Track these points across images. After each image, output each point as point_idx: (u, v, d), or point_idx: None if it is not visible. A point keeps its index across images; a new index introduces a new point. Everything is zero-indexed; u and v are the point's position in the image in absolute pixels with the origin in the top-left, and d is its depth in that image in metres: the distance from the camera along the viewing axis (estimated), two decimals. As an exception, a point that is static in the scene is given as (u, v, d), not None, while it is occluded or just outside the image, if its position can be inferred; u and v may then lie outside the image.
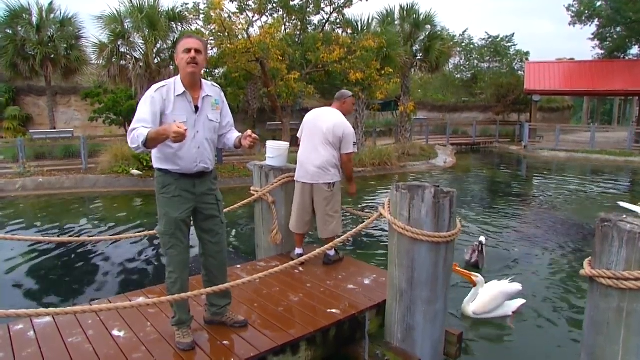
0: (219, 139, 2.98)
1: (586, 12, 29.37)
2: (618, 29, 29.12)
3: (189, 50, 2.65)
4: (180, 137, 2.36)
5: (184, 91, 2.71)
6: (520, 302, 4.51)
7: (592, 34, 30.68)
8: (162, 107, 2.66)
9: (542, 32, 79.79)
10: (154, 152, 2.78)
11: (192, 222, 2.94)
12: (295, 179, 4.37)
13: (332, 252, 4.32)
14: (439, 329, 3.09)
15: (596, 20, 29.47)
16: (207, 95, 2.82)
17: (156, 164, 2.79)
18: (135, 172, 11.53)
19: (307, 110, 4.46)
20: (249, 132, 2.82)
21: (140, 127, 2.53)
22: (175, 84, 2.72)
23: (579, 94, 26.33)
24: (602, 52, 30.71)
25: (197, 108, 2.76)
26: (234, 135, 3.00)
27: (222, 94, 2.97)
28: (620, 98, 31.37)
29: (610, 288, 2.23)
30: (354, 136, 4.27)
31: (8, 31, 15.05)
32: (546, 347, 3.93)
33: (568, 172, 15.40)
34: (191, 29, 13.15)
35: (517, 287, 4.52)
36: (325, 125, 4.17)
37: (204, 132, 2.79)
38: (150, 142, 2.50)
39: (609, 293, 2.26)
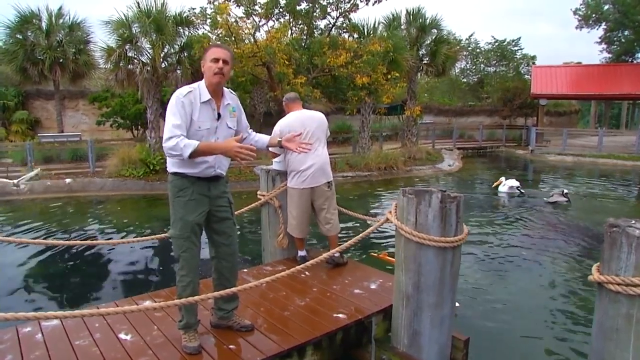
0: (244, 142, 3.00)
1: (593, 15, 29.30)
2: (626, 32, 29.01)
3: (217, 60, 2.68)
4: (247, 157, 2.57)
5: (210, 98, 2.74)
6: None
7: (600, 38, 30.59)
8: (190, 112, 2.69)
9: (549, 36, 79.53)
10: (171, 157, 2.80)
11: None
12: (292, 186, 4.26)
13: (336, 254, 4.30)
14: (445, 334, 3.07)
15: (603, 23, 29.37)
16: (228, 103, 2.87)
17: (172, 168, 2.80)
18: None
19: (286, 116, 4.40)
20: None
21: (184, 138, 2.59)
22: (200, 90, 2.74)
23: (586, 98, 26.19)
24: (610, 55, 30.58)
25: (219, 115, 2.81)
26: (257, 136, 3.17)
27: (239, 101, 3.02)
28: (628, 102, 31.17)
29: (619, 294, 2.21)
30: None
31: (18, 36, 15.22)
32: (553, 350, 3.90)
33: (575, 176, 15.31)
34: (198, 34, 13.24)
35: None
36: (315, 125, 4.19)
37: (223, 139, 2.81)
38: (197, 155, 2.59)
39: (618, 299, 2.24)
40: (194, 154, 2.58)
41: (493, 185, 11.48)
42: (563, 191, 10.05)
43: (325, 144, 4.32)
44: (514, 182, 11.03)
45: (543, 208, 9.57)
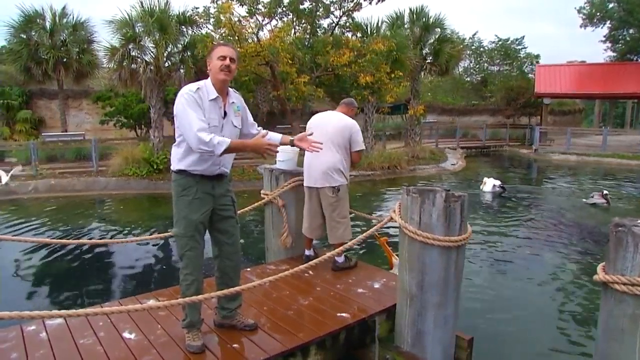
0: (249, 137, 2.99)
1: (598, 14, 29.22)
2: (630, 31, 28.92)
3: (224, 58, 2.69)
4: (273, 152, 2.71)
5: (217, 96, 2.74)
6: None
7: (604, 37, 30.49)
8: (202, 107, 2.69)
9: (553, 34, 79.09)
10: (176, 155, 2.79)
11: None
12: (304, 185, 4.36)
13: (340, 259, 4.27)
14: (449, 333, 3.06)
15: (608, 22, 29.28)
16: (233, 101, 2.87)
17: (176, 166, 2.80)
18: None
19: (316, 114, 4.44)
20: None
21: (216, 136, 2.59)
22: (207, 88, 2.74)
23: (590, 97, 26.06)
24: (614, 54, 30.47)
25: (225, 113, 2.81)
26: (269, 134, 2.96)
27: (243, 100, 3.01)
28: (632, 101, 31.00)
29: (625, 294, 2.20)
30: (361, 134, 4.28)
31: (22, 36, 15.26)
32: (557, 350, 3.89)
33: (579, 176, 15.25)
34: (201, 33, 13.25)
35: None
36: (332, 128, 4.12)
37: (229, 137, 2.78)
38: (228, 152, 2.65)
39: (623, 299, 2.22)
40: (226, 151, 2.61)
41: (481, 188, 11.45)
42: (603, 192, 9.85)
43: (341, 151, 4.14)
44: (495, 181, 11.34)
45: (562, 208, 9.49)
